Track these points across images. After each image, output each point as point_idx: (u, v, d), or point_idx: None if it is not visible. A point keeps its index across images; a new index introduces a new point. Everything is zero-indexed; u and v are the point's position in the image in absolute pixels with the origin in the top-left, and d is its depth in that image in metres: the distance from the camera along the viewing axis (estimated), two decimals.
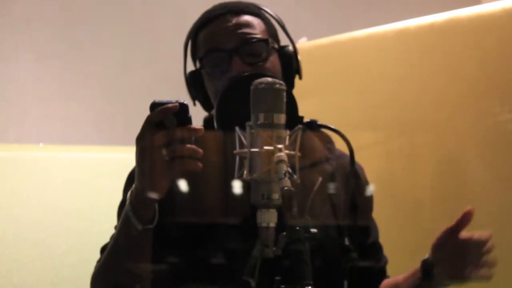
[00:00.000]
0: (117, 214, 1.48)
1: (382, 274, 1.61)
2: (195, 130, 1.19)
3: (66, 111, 3.37)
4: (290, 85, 1.48)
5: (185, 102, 1.20)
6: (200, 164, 1.19)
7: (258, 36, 1.46)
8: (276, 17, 1.52)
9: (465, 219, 1.41)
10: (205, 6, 1.55)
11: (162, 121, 1.18)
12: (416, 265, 1.53)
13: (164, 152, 1.17)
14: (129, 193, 1.26)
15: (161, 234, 1.27)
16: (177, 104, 1.19)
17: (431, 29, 2.14)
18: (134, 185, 1.24)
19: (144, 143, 1.19)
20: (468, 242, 1.42)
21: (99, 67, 3.43)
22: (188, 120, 1.20)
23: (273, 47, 1.48)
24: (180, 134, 1.18)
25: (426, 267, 1.46)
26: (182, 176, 1.27)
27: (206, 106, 1.53)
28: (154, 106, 1.20)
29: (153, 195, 1.22)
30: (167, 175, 1.20)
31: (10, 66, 3.30)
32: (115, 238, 1.32)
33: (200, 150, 1.19)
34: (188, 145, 1.18)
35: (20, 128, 3.26)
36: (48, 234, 2.35)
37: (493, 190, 1.94)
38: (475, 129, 1.99)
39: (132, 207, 1.24)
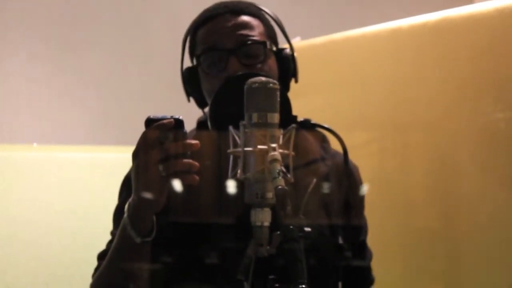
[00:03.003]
0: (113, 219, 1.48)
1: (367, 272, 1.60)
2: (191, 144, 1.19)
3: (59, 111, 3.37)
4: (285, 87, 1.48)
5: (180, 118, 1.20)
6: (197, 178, 1.19)
7: (257, 38, 1.46)
8: (276, 18, 1.53)
9: None
10: (198, 6, 1.55)
11: (158, 137, 1.19)
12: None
13: (160, 167, 1.17)
14: (126, 205, 1.26)
15: (158, 234, 1.27)
16: (172, 120, 1.19)
17: (424, 28, 2.15)
18: (131, 199, 1.24)
19: (141, 160, 1.19)
20: None
21: (92, 67, 3.43)
22: (184, 135, 1.20)
23: (270, 50, 1.48)
24: (176, 149, 1.18)
25: None
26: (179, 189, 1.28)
27: (201, 103, 1.53)
28: (149, 122, 1.20)
29: (151, 210, 1.22)
30: (164, 190, 1.21)
31: (3, 66, 3.30)
32: (113, 249, 1.32)
33: (197, 164, 1.19)
34: (185, 160, 1.18)
35: (14, 128, 3.26)
36: (42, 234, 2.34)
37: (487, 189, 1.95)
38: (469, 128, 1.99)
39: (130, 221, 1.24)
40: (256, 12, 1.51)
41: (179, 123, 1.19)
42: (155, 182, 1.18)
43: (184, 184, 1.19)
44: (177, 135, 1.19)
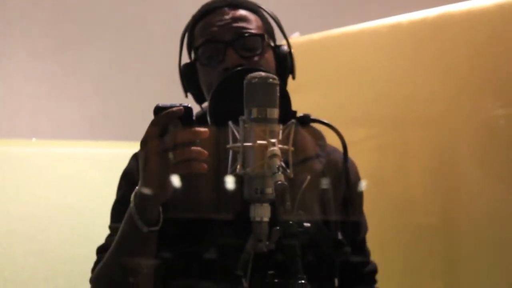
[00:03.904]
0: (111, 214, 1.47)
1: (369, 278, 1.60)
2: (200, 132, 1.18)
3: (58, 107, 3.36)
4: (283, 83, 1.48)
5: (189, 105, 1.20)
6: (206, 166, 1.18)
7: (254, 31, 1.46)
8: (273, 15, 1.53)
9: None
10: (197, 1, 1.55)
11: (167, 125, 1.18)
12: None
13: (170, 155, 1.17)
14: (132, 195, 1.25)
15: (159, 230, 1.27)
16: (182, 107, 1.18)
17: (424, 24, 2.14)
18: (138, 188, 1.23)
19: (149, 147, 1.18)
20: None
21: (91, 63, 3.43)
22: (193, 123, 1.19)
23: (268, 44, 1.48)
24: (185, 136, 1.17)
25: None
26: (181, 177, 1.27)
27: (199, 98, 1.53)
28: (158, 110, 1.19)
29: (159, 198, 1.22)
30: (173, 178, 1.20)
31: (3, 62, 3.30)
32: (117, 241, 1.32)
33: (205, 152, 1.18)
34: (193, 148, 1.18)
35: (13, 123, 3.26)
36: (41, 229, 2.35)
37: (486, 186, 1.95)
38: (468, 124, 1.99)
39: (138, 210, 1.23)
40: (254, 8, 1.52)
41: (188, 111, 1.19)
42: (164, 169, 1.18)
43: (193, 171, 1.18)
44: (186, 123, 1.19)
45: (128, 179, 1.46)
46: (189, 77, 1.51)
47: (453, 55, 2.05)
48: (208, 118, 1.34)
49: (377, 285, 1.60)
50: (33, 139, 2.69)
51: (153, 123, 1.19)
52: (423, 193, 2.10)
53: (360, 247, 1.59)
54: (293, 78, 1.52)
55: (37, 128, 3.27)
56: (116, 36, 3.48)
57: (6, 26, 3.31)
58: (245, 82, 1.09)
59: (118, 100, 3.42)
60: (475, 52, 1.99)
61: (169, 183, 1.20)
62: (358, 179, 1.61)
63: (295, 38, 2.52)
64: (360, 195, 1.62)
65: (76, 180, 2.46)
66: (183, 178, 1.28)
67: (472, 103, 2.00)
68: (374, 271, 1.61)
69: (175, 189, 1.27)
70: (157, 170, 1.18)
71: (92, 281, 1.40)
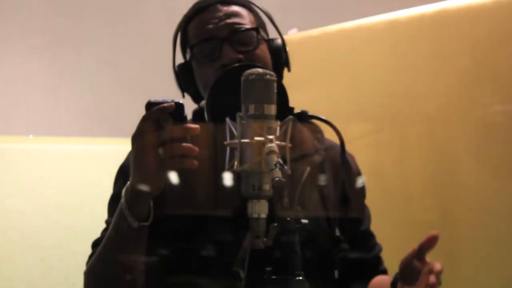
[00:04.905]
0: (107, 208, 1.48)
1: (375, 262, 1.60)
2: (191, 128, 1.19)
3: (55, 103, 3.36)
4: (279, 77, 1.48)
5: (180, 102, 1.20)
6: (196, 162, 1.19)
7: (248, 25, 1.47)
8: (264, 10, 1.54)
9: (428, 243, 1.38)
10: None
11: (158, 120, 1.18)
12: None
13: (160, 150, 1.17)
14: (123, 190, 1.26)
15: (154, 226, 1.27)
16: (173, 103, 1.19)
17: (421, 20, 2.14)
18: (129, 183, 1.24)
19: (140, 142, 1.19)
20: (426, 267, 1.38)
21: (88, 59, 3.43)
22: (184, 119, 1.20)
23: (262, 37, 1.49)
24: (176, 132, 1.18)
25: (394, 281, 1.44)
26: (177, 173, 1.27)
27: (196, 98, 1.53)
28: (149, 105, 1.20)
29: (149, 194, 1.22)
30: (163, 173, 1.21)
31: (0, 59, 3.29)
32: (109, 235, 1.32)
33: (196, 148, 1.19)
34: (184, 144, 1.18)
35: (10, 120, 3.26)
36: (38, 225, 2.34)
37: (484, 181, 1.95)
38: (465, 120, 1.99)
39: (128, 205, 1.24)
40: (245, 3, 1.52)
41: (179, 107, 1.19)
42: (154, 165, 1.18)
43: (183, 167, 1.19)
44: (177, 119, 1.19)
45: (124, 174, 1.46)
46: (185, 77, 1.51)
47: (451, 51, 2.05)
48: (206, 115, 1.34)
49: (383, 266, 1.60)
50: (30, 136, 2.68)
51: (144, 119, 1.19)
52: (420, 189, 2.10)
53: (364, 239, 1.59)
54: (288, 70, 1.53)
55: (34, 125, 3.27)
56: (111, 33, 3.48)
57: (2, 23, 3.31)
58: (242, 78, 1.09)
59: (115, 97, 3.42)
60: (472, 48, 1.99)
61: (159, 178, 1.21)
62: (358, 171, 1.61)
63: (293, 34, 2.52)
64: (361, 187, 1.61)
65: (73, 177, 2.46)
66: (180, 175, 1.28)
67: (470, 99, 2.00)
68: (379, 253, 1.61)
69: (172, 186, 1.27)
70: (147, 165, 1.19)
71: (85, 274, 1.41)
